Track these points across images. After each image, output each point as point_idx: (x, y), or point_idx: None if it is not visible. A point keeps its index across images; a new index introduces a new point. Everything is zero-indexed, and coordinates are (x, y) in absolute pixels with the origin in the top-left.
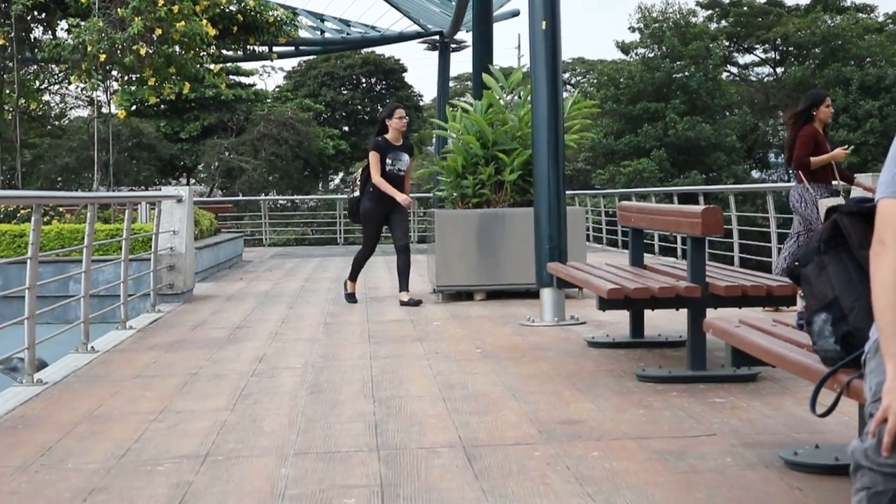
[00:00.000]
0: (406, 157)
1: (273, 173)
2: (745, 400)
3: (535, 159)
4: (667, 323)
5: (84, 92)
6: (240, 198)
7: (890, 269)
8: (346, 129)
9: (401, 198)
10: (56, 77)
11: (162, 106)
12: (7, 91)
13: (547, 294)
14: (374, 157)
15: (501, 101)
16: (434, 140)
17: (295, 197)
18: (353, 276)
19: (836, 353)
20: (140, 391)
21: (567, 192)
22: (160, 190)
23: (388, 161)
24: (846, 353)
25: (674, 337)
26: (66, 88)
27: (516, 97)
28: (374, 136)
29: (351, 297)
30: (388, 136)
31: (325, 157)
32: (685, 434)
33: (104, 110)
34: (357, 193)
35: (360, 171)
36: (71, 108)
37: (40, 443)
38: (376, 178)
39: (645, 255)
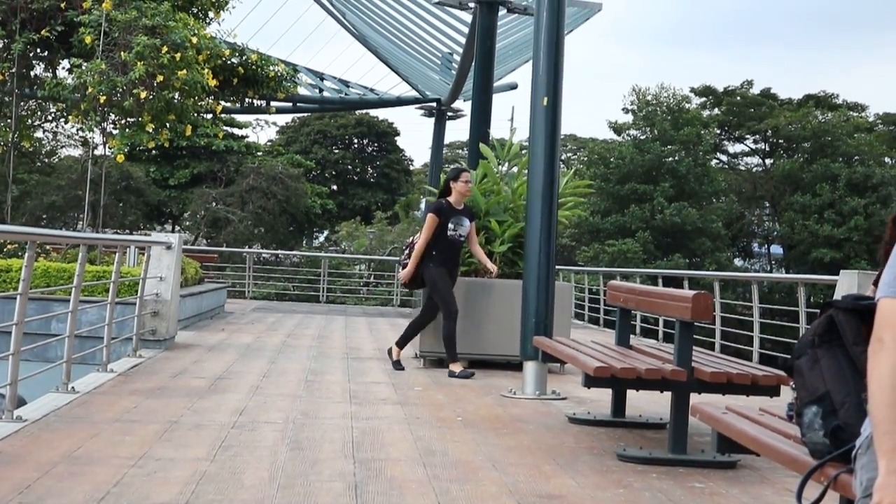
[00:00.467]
0: (467, 222)
1: (259, 226)
2: (724, 487)
3: (527, 232)
4: (646, 404)
5: (79, 132)
6: (224, 248)
7: (887, 367)
8: (334, 187)
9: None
10: (52, 115)
11: (153, 151)
12: (2, 125)
13: (530, 367)
14: (432, 220)
15: (496, 173)
16: (423, 205)
17: (279, 251)
18: (404, 343)
19: (824, 446)
20: (120, 435)
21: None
22: (149, 235)
23: (451, 226)
24: (835, 447)
25: (654, 418)
26: (61, 127)
27: (511, 169)
28: (436, 198)
29: (398, 364)
30: (450, 200)
31: (311, 215)
32: None
33: (98, 151)
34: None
35: (416, 236)
36: (62, 147)
37: (18, 480)
38: (423, 242)
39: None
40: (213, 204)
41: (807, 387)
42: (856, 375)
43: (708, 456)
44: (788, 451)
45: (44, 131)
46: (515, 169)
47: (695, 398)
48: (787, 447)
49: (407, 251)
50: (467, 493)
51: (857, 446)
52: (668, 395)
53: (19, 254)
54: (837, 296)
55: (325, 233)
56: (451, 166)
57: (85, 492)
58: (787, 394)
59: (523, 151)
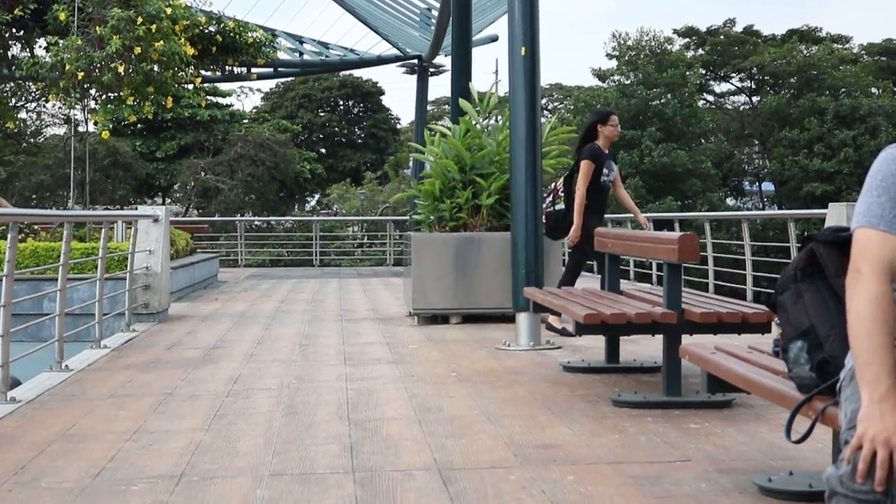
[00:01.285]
0: (615, 166)
1: (249, 194)
2: (719, 426)
3: (512, 184)
4: (642, 349)
5: (61, 110)
6: (216, 218)
7: (865, 297)
8: (322, 150)
9: (640, 218)
10: (33, 95)
11: (138, 125)
12: None
13: (523, 318)
14: (588, 166)
15: (478, 126)
16: (411, 163)
17: (271, 218)
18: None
19: (811, 380)
20: (114, 410)
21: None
22: (136, 209)
23: (605, 171)
24: (821, 380)
25: (649, 363)
26: (43, 106)
27: (494, 121)
28: (585, 145)
29: (565, 331)
30: (599, 143)
31: (301, 180)
32: (660, 459)
33: (81, 128)
34: (561, 206)
35: (561, 180)
36: (47, 126)
37: (14, 461)
38: (582, 190)
39: (621, 280)
40: (202, 174)
41: (791, 322)
42: (839, 308)
43: (702, 397)
44: (776, 387)
45: (27, 112)
46: (501, 121)
47: (686, 339)
48: (774, 383)
49: (550, 198)
50: (463, 447)
51: (840, 378)
52: (661, 338)
53: (7, 236)
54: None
55: (316, 197)
56: (440, 122)
57: (80, 468)
58: (778, 330)
59: (504, 104)
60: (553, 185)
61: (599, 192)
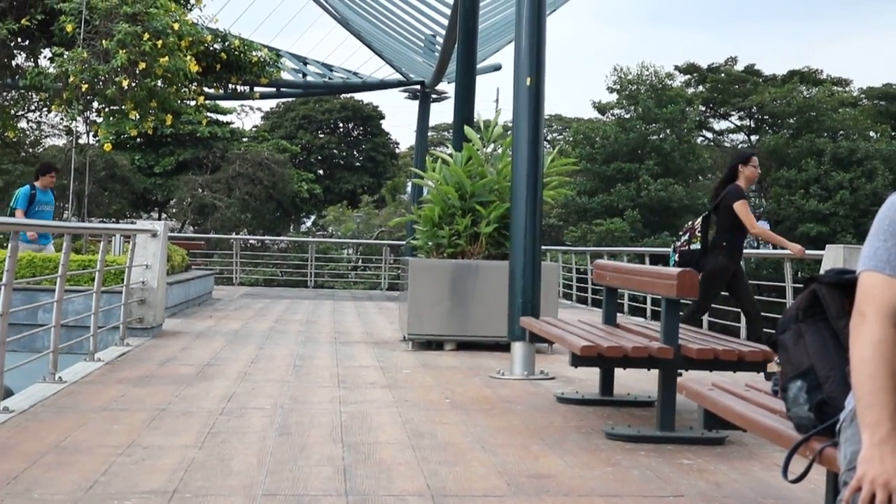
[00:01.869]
0: None
1: (246, 212)
2: (712, 463)
3: (512, 213)
4: (635, 382)
5: (62, 121)
6: (211, 235)
7: (869, 341)
8: (320, 172)
9: (795, 248)
10: (35, 105)
11: (138, 139)
12: None
13: (518, 348)
14: (745, 206)
15: (481, 154)
16: (409, 188)
17: (266, 237)
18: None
19: (809, 420)
20: (107, 424)
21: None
22: (133, 223)
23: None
24: (820, 421)
25: (642, 396)
26: (44, 116)
27: (496, 150)
28: (726, 185)
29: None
30: (739, 184)
31: (298, 200)
32: (653, 494)
33: (82, 140)
34: (697, 246)
35: (699, 220)
36: (46, 137)
37: (6, 471)
38: (758, 228)
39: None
40: (200, 191)
41: (791, 361)
42: (840, 349)
43: (696, 433)
44: (774, 426)
45: (28, 121)
46: (500, 150)
47: (682, 375)
48: (772, 422)
49: (686, 236)
50: (456, 474)
51: (840, 420)
52: (656, 372)
53: (4, 245)
54: (823, 270)
55: (312, 218)
56: (440, 149)
57: (73, 481)
58: (774, 369)
59: (507, 132)
60: (690, 223)
61: (742, 233)
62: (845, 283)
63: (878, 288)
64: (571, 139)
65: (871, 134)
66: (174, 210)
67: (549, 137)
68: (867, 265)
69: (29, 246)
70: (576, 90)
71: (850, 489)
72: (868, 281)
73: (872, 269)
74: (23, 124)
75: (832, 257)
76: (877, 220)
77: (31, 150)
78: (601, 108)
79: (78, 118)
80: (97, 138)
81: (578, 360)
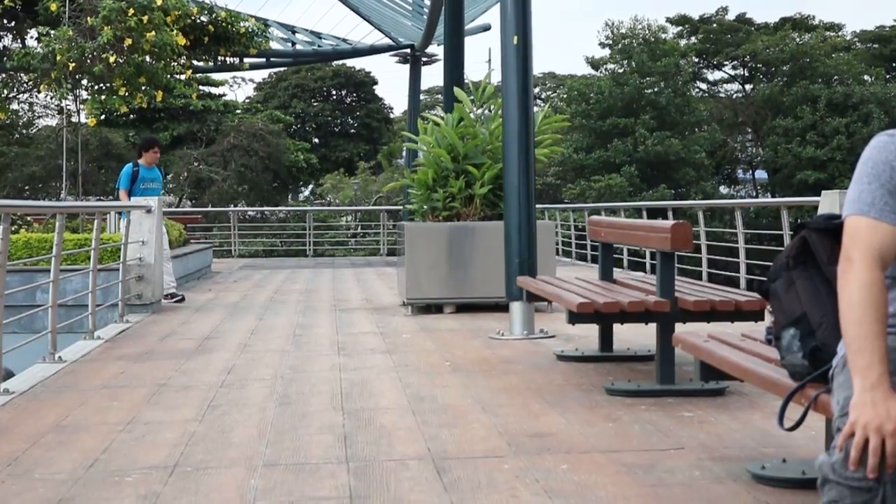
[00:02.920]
0: None
1: (242, 184)
2: (713, 414)
3: (505, 173)
4: (635, 337)
5: (53, 101)
6: (209, 208)
7: (857, 285)
8: (316, 140)
9: None
10: (25, 86)
11: (131, 116)
12: None
13: (516, 308)
14: None
15: (472, 115)
16: (404, 153)
17: (264, 208)
18: None
19: (803, 368)
20: (108, 401)
21: (537, 206)
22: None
23: None
24: (814, 368)
25: (642, 351)
26: (35, 97)
27: (487, 111)
28: None
29: None
30: None
31: (294, 169)
32: (654, 448)
33: (73, 119)
34: None
35: None
36: (39, 117)
37: (7, 453)
38: None
39: (614, 269)
40: (195, 164)
41: (783, 310)
42: (831, 296)
43: (696, 385)
44: (769, 375)
45: (19, 103)
46: (492, 110)
47: (680, 328)
48: (767, 371)
49: None
50: (457, 436)
51: (833, 366)
52: (654, 326)
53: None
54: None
55: (310, 187)
56: (432, 112)
57: (73, 460)
58: (771, 318)
59: (498, 93)
60: None
61: None
62: (834, 229)
63: (864, 231)
64: (566, 96)
65: (866, 78)
66: (171, 185)
67: (542, 96)
68: (852, 209)
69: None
70: (568, 47)
71: (843, 435)
72: (854, 225)
73: (857, 212)
74: (14, 106)
75: (828, 203)
76: (860, 162)
77: (24, 131)
78: (594, 64)
79: (68, 97)
80: (84, 113)
81: (575, 318)
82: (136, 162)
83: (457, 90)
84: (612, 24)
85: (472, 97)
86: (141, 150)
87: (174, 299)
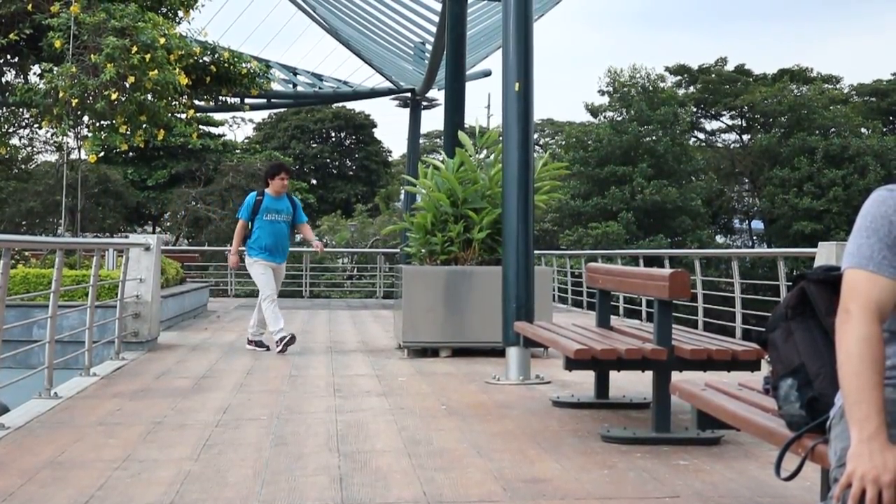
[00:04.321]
0: None
1: None
2: (708, 463)
3: (504, 218)
4: (630, 384)
5: (53, 137)
6: (206, 247)
7: (854, 338)
8: (314, 182)
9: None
10: (26, 121)
11: (130, 153)
12: None
13: (513, 353)
14: None
15: (473, 160)
16: (402, 196)
17: None
18: None
19: (801, 417)
20: (103, 438)
21: (534, 251)
22: (127, 237)
23: None
24: (811, 418)
25: (638, 398)
26: (36, 133)
27: (488, 156)
28: None
29: None
30: None
31: None
32: (649, 495)
33: (73, 156)
34: None
35: None
36: (38, 153)
37: (2, 488)
38: None
39: (611, 316)
40: (193, 203)
41: (782, 359)
42: (829, 346)
43: (691, 433)
44: (766, 424)
45: (19, 138)
46: (492, 156)
47: (676, 376)
48: (764, 420)
49: None
50: (452, 480)
51: (830, 416)
52: (651, 374)
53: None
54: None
55: None
56: (432, 156)
57: (69, 496)
58: (768, 368)
59: (501, 138)
60: None
61: None
62: (833, 280)
63: (863, 285)
64: (564, 143)
65: (863, 130)
66: (168, 223)
67: (540, 142)
68: (851, 262)
69: (262, 261)
70: (567, 94)
71: (841, 486)
72: (852, 278)
73: (856, 266)
74: (14, 141)
75: (825, 254)
76: (859, 216)
77: (23, 166)
78: (594, 111)
79: (69, 133)
80: (85, 150)
81: (572, 364)
82: (262, 191)
83: (461, 134)
84: (614, 71)
85: (474, 141)
86: (267, 178)
87: (259, 347)
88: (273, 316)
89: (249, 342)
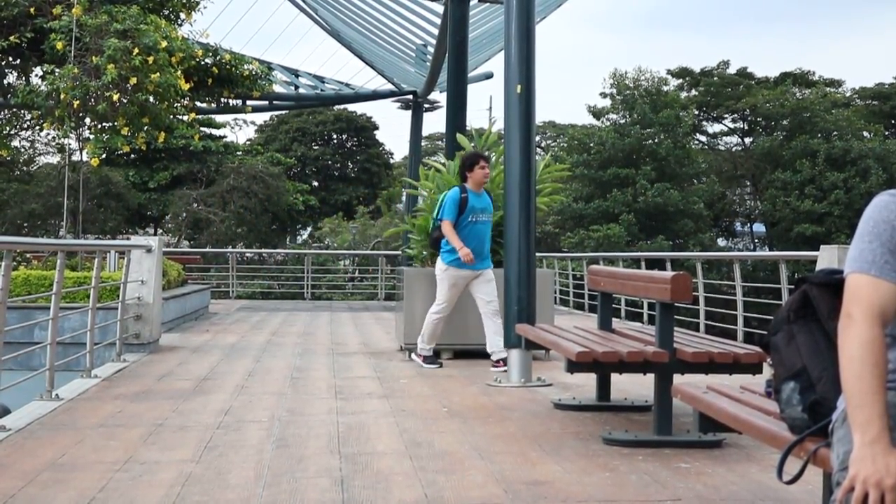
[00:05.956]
0: None
1: (241, 226)
2: (710, 466)
3: (506, 221)
4: (632, 387)
5: (55, 139)
6: (207, 249)
7: (857, 342)
8: (315, 184)
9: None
10: (27, 123)
11: (132, 155)
12: None
13: (515, 355)
14: None
15: None
16: (404, 198)
17: (262, 250)
18: None
19: (803, 421)
20: (104, 440)
21: (536, 254)
22: (129, 239)
23: None
24: (813, 421)
25: (640, 401)
26: (37, 135)
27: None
28: None
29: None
30: None
31: (293, 212)
32: (650, 498)
33: (75, 158)
34: None
35: None
36: (40, 155)
37: (3, 490)
38: None
39: (612, 319)
40: (195, 205)
41: (784, 363)
42: (831, 350)
43: (693, 436)
44: (768, 428)
45: (21, 140)
46: (493, 158)
47: (678, 379)
48: (766, 424)
49: None
50: (453, 483)
51: (833, 420)
52: (652, 377)
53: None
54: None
55: (308, 230)
56: (433, 158)
57: (70, 498)
58: (770, 371)
59: (502, 140)
60: None
61: None
62: (835, 284)
63: (865, 289)
64: (566, 145)
65: (865, 134)
66: (170, 225)
67: (543, 144)
68: (853, 267)
69: (456, 271)
70: (569, 97)
71: (843, 489)
72: (855, 282)
73: (858, 270)
74: (16, 143)
75: (827, 258)
76: (861, 221)
77: (24, 168)
78: (596, 113)
79: (70, 135)
80: (87, 153)
81: (574, 367)
82: (463, 186)
83: (459, 137)
84: (618, 74)
85: (473, 144)
86: (464, 171)
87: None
88: (432, 332)
89: (417, 355)
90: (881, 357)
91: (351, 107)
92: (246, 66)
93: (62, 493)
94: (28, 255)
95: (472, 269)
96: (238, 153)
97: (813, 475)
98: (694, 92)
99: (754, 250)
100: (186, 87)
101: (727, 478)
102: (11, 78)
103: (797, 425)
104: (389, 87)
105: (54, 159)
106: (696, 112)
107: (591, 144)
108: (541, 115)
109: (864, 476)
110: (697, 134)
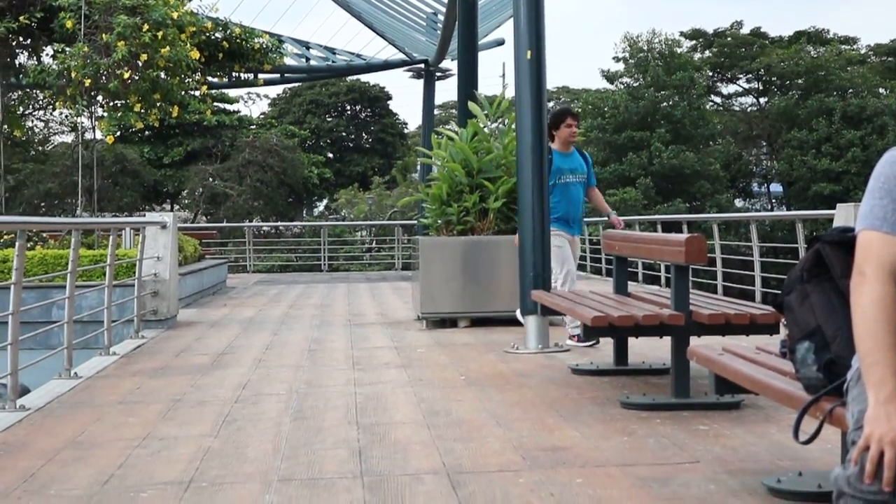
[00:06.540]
0: None
1: (257, 200)
2: (728, 427)
3: (519, 187)
4: (650, 350)
5: (68, 118)
6: (224, 224)
7: (869, 299)
8: (330, 155)
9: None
10: (40, 103)
11: (146, 132)
12: None
13: (531, 321)
14: None
15: (486, 130)
16: (419, 167)
17: (279, 223)
18: None
19: (818, 380)
20: (123, 417)
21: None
22: (144, 216)
23: None
24: (829, 381)
25: (657, 364)
26: (51, 114)
27: (501, 125)
28: None
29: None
30: None
31: (309, 184)
32: (669, 461)
33: (88, 136)
34: None
35: None
36: (54, 134)
37: (23, 469)
38: None
39: (629, 282)
40: (210, 180)
41: (798, 323)
42: (846, 308)
43: (711, 398)
44: (784, 388)
45: (35, 120)
46: (507, 124)
47: (695, 341)
48: (782, 384)
49: None
50: (471, 451)
51: (847, 379)
52: (669, 340)
53: (15, 244)
54: None
55: (325, 201)
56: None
57: (89, 475)
58: (786, 331)
59: (513, 106)
60: None
61: None
62: (849, 242)
63: (877, 246)
64: (580, 110)
65: (881, 90)
66: (186, 201)
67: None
68: (864, 224)
69: (561, 231)
70: (582, 61)
71: (859, 449)
72: (866, 239)
73: (870, 227)
74: (30, 123)
75: (843, 216)
76: (872, 178)
77: (40, 148)
78: (610, 77)
79: (83, 114)
80: (101, 131)
81: (590, 331)
82: (549, 147)
83: (471, 104)
84: (631, 37)
85: (485, 111)
86: (551, 129)
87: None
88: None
89: (571, 337)
90: (894, 314)
91: (363, 77)
92: (256, 40)
93: (82, 471)
94: (44, 235)
95: (569, 233)
96: (252, 127)
97: (831, 434)
98: (707, 53)
99: (772, 210)
100: (197, 56)
101: (745, 439)
102: (22, 58)
103: (812, 385)
104: (401, 56)
105: (69, 138)
106: (710, 73)
107: (606, 108)
108: (554, 81)
109: (879, 435)
110: (712, 95)
